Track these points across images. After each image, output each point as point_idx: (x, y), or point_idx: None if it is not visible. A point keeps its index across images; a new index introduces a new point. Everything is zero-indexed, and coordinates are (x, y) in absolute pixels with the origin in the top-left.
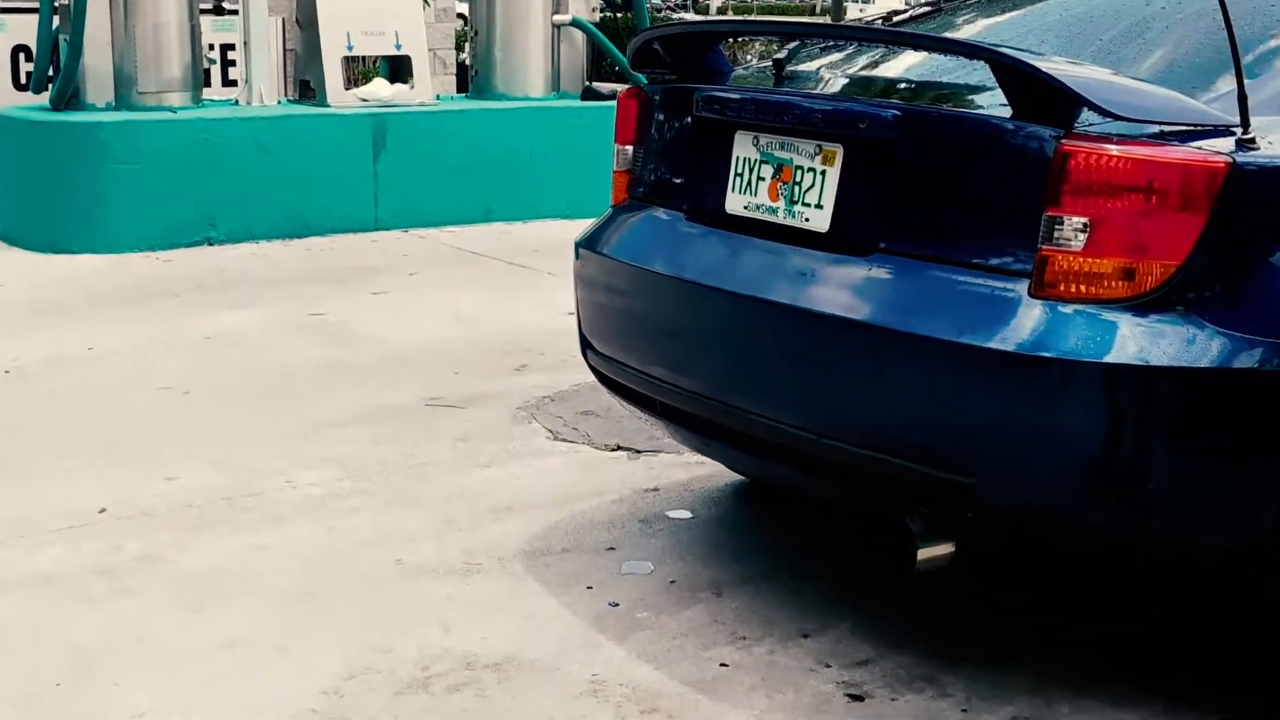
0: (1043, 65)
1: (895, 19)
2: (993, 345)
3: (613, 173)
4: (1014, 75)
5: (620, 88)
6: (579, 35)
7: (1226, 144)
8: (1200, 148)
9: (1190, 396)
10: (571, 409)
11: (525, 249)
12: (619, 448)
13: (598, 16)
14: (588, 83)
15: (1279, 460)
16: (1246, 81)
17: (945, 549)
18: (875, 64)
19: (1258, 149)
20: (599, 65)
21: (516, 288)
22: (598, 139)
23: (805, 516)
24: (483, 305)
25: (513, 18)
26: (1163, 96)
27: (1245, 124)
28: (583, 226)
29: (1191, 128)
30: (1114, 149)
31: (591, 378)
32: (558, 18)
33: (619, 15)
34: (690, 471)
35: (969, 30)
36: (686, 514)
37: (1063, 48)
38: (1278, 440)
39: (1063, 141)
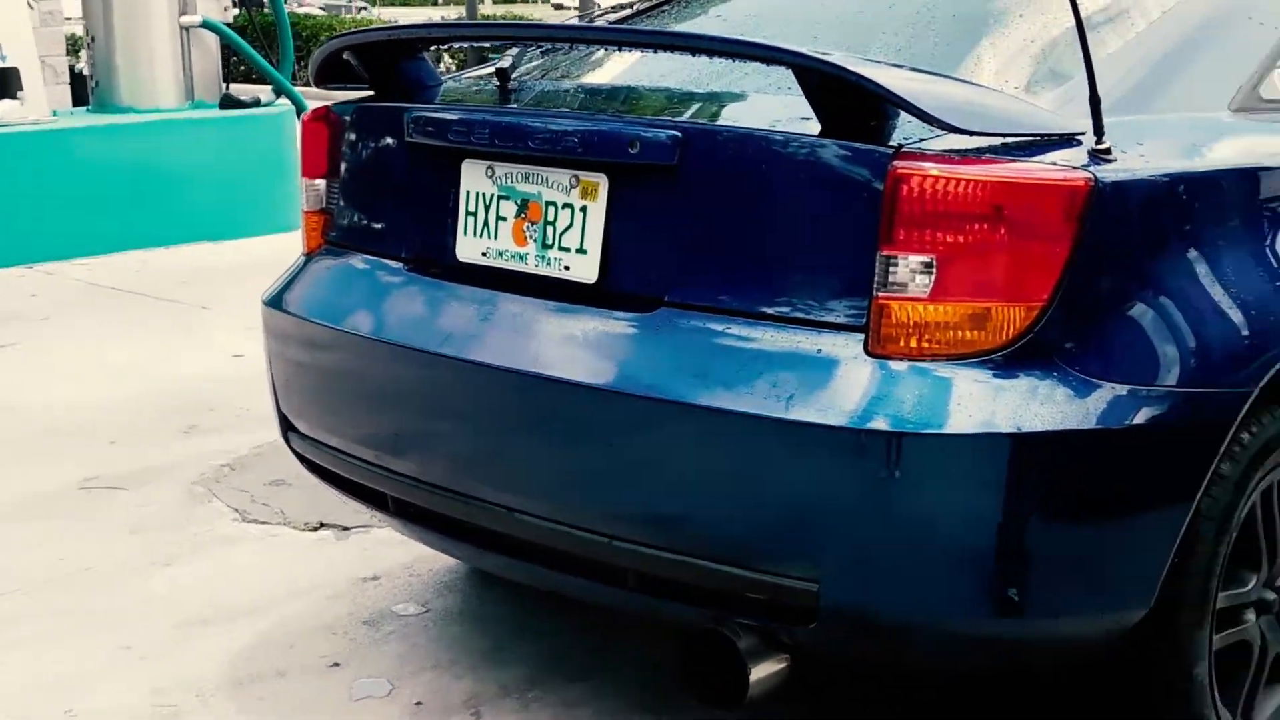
0: (863, 70)
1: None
2: (828, 420)
3: (302, 213)
4: (825, 82)
5: (262, 93)
6: (212, 38)
7: (1083, 156)
8: (1055, 163)
9: (1068, 464)
10: (258, 479)
11: (172, 280)
12: (322, 525)
13: (230, 16)
14: (225, 90)
15: (1160, 525)
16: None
17: (780, 664)
18: (630, 73)
19: (1117, 161)
20: (234, 69)
21: (170, 328)
22: (241, 151)
23: (562, 602)
24: (133, 352)
25: (134, 21)
26: (1005, 104)
27: (1100, 131)
28: (231, 248)
29: (1042, 139)
30: (958, 170)
31: (277, 438)
32: (185, 19)
33: (252, 12)
34: (412, 551)
35: (717, 26)
36: (419, 608)
37: (841, 46)
38: (1156, 503)
39: (895, 163)
